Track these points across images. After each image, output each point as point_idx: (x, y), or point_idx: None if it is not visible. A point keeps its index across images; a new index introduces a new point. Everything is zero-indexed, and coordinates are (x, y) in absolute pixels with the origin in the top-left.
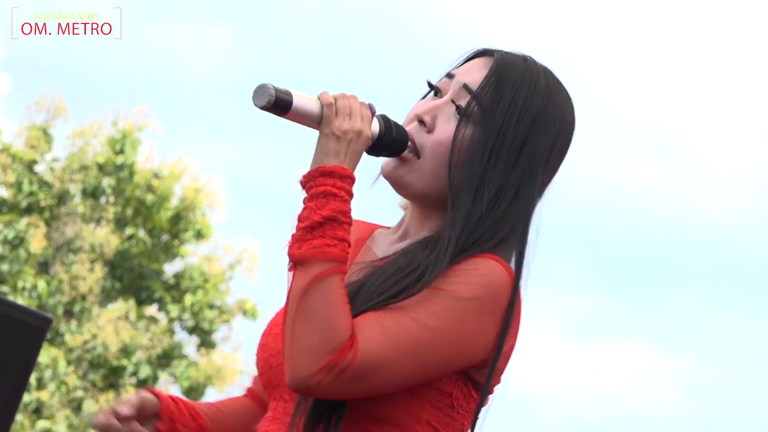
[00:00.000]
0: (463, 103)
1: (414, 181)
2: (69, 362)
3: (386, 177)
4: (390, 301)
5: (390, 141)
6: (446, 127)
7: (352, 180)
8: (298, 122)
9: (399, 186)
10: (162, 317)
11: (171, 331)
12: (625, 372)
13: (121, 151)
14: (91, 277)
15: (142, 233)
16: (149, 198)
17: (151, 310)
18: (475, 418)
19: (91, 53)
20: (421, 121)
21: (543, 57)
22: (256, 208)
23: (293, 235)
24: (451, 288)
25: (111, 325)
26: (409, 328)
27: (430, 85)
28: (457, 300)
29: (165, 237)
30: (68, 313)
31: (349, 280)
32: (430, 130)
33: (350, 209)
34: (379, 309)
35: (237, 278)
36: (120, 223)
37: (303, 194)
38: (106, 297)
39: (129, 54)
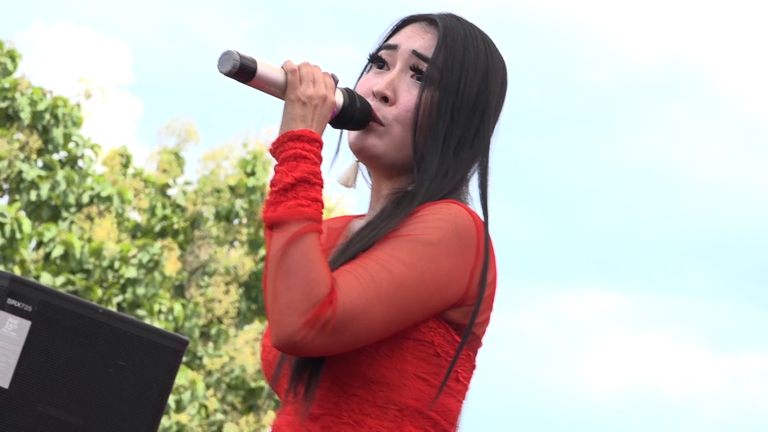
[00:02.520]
0: (419, 67)
1: (384, 149)
2: (208, 385)
3: (357, 149)
4: (359, 252)
5: (353, 111)
6: (409, 95)
7: (321, 144)
8: (262, 90)
9: (370, 156)
10: None
11: None
12: (766, 382)
13: (253, 173)
14: (227, 299)
15: None
16: None
17: None
18: (455, 358)
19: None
20: (384, 97)
21: (676, 64)
22: None
23: (267, 200)
24: (415, 233)
25: (248, 347)
26: (380, 276)
27: (373, 58)
28: (422, 243)
29: None
30: (205, 336)
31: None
32: (392, 104)
33: (320, 172)
34: (350, 261)
35: None
36: (253, 244)
37: (273, 161)
38: (242, 319)
39: None
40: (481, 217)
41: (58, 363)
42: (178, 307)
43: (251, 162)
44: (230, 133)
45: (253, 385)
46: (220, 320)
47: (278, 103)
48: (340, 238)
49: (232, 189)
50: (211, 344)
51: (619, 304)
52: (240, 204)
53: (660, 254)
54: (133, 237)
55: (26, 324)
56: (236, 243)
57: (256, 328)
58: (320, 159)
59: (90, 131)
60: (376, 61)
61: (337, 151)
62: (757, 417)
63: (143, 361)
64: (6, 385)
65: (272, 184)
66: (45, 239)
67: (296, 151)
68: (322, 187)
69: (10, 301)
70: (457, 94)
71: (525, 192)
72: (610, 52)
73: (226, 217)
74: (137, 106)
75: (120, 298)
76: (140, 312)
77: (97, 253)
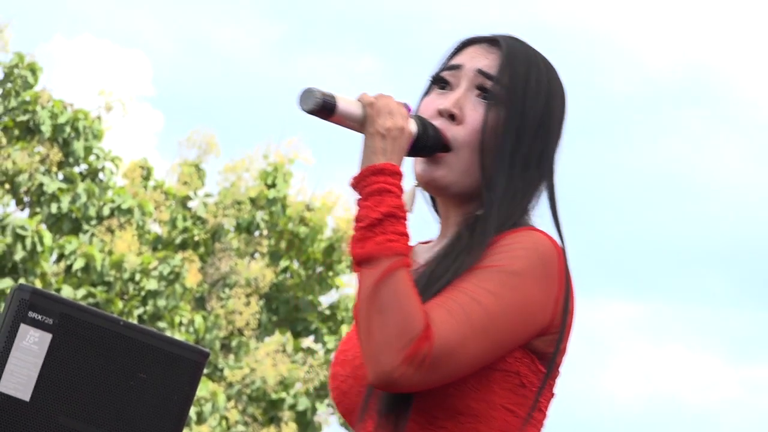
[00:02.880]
0: (485, 85)
1: (454, 178)
2: (228, 397)
3: (426, 182)
4: (446, 285)
5: (427, 139)
6: (476, 114)
7: (402, 176)
8: (342, 125)
9: (441, 187)
10: (319, 348)
11: (328, 362)
12: None
13: (273, 185)
14: (248, 311)
15: (296, 266)
16: (302, 230)
17: (308, 341)
18: (541, 388)
19: (240, 87)
20: (451, 116)
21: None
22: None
23: (354, 236)
24: (501, 263)
25: (269, 359)
26: (471, 308)
27: (437, 79)
28: (508, 273)
29: (319, 269)
30: (226, 348)
31: None
32: (460, 122)
33: (404, 204)
34: (439, 294)
35: None
36: (274, 256)
37: (356, 196)
38: (263, 330)
39: (277, 87)
40: (559, 242)
41: (78, 376)
42: (198, 319)
43: (272, 174)
44: (251, 145)
45: (273, 396)
46: (240, 332)
47: (299, 115)
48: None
49: (252, 201)
50: (232, 356)
51: (639, 313)
52: (261, 216)
53: (679, 263)
54: (154, 249)
55: (47, 337)
56: (257, 255)
57: (276, 340)
58: (402, 191)
59: (111, 144)
60: (439, 82)
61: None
62: None
63: (164, 373)
64: (27, 398)
65: (358, 220)
66: (66, 252)
67: (380, 185)
68: (407, 219)
69: (31, 314)
70: (523, 113)
71: None
72: (630, 60)
73: (246, 228)
74: (158, 119)
75: (141, 310)
76: (161, 324)
77: (117, 265)
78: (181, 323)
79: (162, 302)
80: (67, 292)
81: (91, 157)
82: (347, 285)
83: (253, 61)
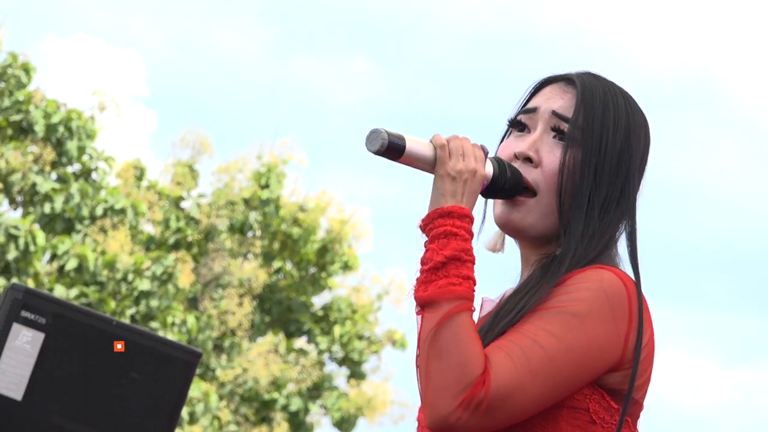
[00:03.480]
0: (560, 128)
1: (532, 220)
2: (221, 397)
3: (503, 224)
4: (509, 326)
5: (505, 181)
6: (553, 157)
7: (471, 219)
8: (411, 166)
9: (518, 230)
10: (311, 349)
11: (321, 363)
12: None
13: (267, 186)
14: (240, 311)
15: (289, 266)
16: (295, 231)
17: (301, 342)
18: (620, 425)
19: (233, 88)
20: (527, 159)
21: (691, 76)
22: (402, 237)
23: (418, 279)
24: (564, 304)
25: (261, 359)
26: (531, 350)
27: (514, 123)
28: (570, 315)
29: (312, 269)
30: (218, 348)
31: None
32: (537, 165)
33: (472, 248)
34: (502, 336)
35: (385, 309)
36: (267, 257)
37: (423, 238)
38: (256, 331)
39: (271, 88)
40: (632, 277)
41: (71, 375)
42: (191, 320)
43: (265, 174)
44: (244, 146)
45: (266, 397)
46: (233, 332)
47: (292, 115)
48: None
49: (246, 201)
50: (224, 356)
51: None
52: (254, 216)
53: (676, 267)
54: (147, 249)
55: (40, 336)
56: (250, 255)
57: (269, 341)
58: (471, 235)
59: (104, 144)
60: (517, 125)
61: (483, 219)
62: None
63: (157, 373)
64: (19, 398)
65: (423, 262)
66: (59, 252)
67: (446, 228)
68: (473, 263)
69: (24, 314)
70: (600, 153)
71: None
72: (627, 65)
73: (240, 229)
74: (152, 119)
75: (133, 310)
76: (154, 324)
77: (110, 265)
78: (173, 323)
79: (155, 302)
80: (59, 291)
81: (85, 157)
82: (340, 286)
83: (247, 62)
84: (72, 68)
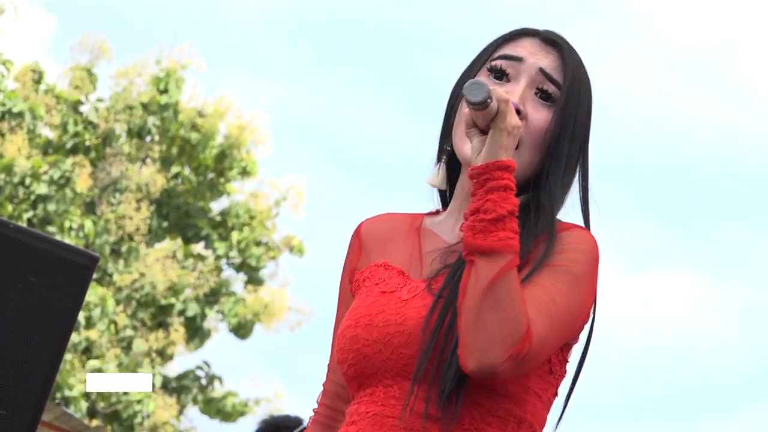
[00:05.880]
0: (544, 88)
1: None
2: (118, 302)
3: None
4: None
5: None
6: (537, 115)
7: None
8: (474, 116)
9: None
10: (209, 255)
11: (218, 269)
12: (678, 302)
13: (166, 90)
14: (138, 216)
15: (187, 172)
16: (194, 136)
17: (198, 248)
18: (576, 378)
19: None
20: (517, 111)
21: None
22: (301, 144)
23: (475, 226)
24: (569, 265)
25: (158, 264)
26: (552, 308)
27: (495, 69)
28: (574, 276)
29: (210, 175)
30: (115, 253)
31: (435, 267)
32: (523, 119)
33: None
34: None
35: (283, 215)
36: (165, 162)
37: (475, 183)
38: (153, 236)
39: None
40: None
41: None
42: (88, 224)
43: (164, 79)
44: (143, 51)
45: (163, 302)
46: (131, 237)
47: (192, 20)
48: (423, 237)
49: (144, 106)
50: (121, 261)
51: None
52: (152, 121)
53: None
54: (45, 153)
55: None
56: (148, 160)
57: (167, 246)
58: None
59: (2, 47)
60: (495, 71)
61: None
62: (668, 336)
63: (53, 277)
64: None
65: (482, 211)
66: None
67: (506, 182)
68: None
69: None
70: (576, 119)
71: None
72: None
73: (138, 134)
74: (51, 22)
75: (30, 214)
76: (51, 228)
77: (7, 169)
78: (71, 228)
79: (52, 206)
80: None
81: None
82: (238, 192)
83: None
84: None
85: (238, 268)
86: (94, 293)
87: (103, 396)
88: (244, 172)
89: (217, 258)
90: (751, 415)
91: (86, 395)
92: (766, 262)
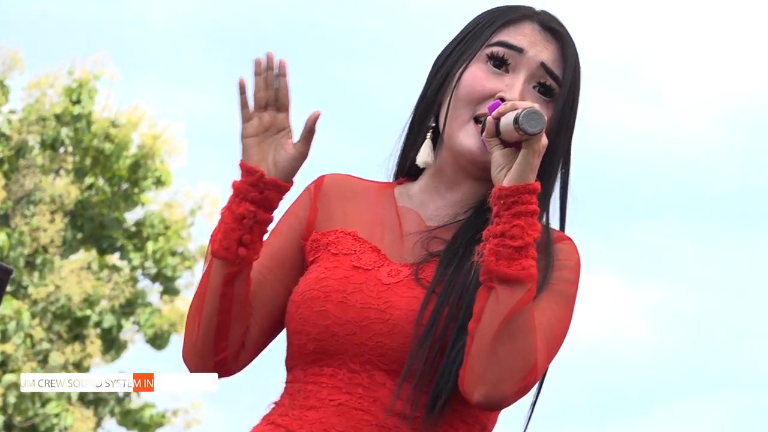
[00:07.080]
0: (545, 82)
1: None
2: (33, 314)
3: (474, 159)
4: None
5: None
6: None
7: None
8: (506, 131)
9: (487, 169)
10: (124, 266)
11: (134, 280)
12: (594, 303)
13: (78, 101)
14: (52, 228)
15: (101, 182)
16: (107, 147)
17: (113, 259)
18: (538, 393)
19: (45, 2)
20: None
21: None
22: (215, 153)
23: (500, 251)
24: (564, 286)
25: (74, 276)
26: (550, 335)
27: (495, 57)
28: (568, 298)
29: (125, 185)
30: (30, 265)
31: (418, 253)
32: None
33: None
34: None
35: (198, 224)
36: (79, 173)
37: (501, 204)
38: (68, 248)
39: (84, 2)
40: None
41: None
42: (2, 237)
43: (77, 90)
44: (56, 61)
45: (79, 314)
46: (45, 249)
47: (105, 30)
48: (401, 214)
49: (57, 117)
50: (36, 274)
51: None
52: (66, 132)
53: None
54: None
55: None
56: (62, 171)
57: (82, 258)
58: None
59: None
60: (494, 58)
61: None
62: (586, 339)
63: None
64: None
65: (509, 237)
66: None
67: (534, 207)
68: None
69: None
70: (572, 115)
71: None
72: None
73: (51, 145)
74: None
75: None
76: None
77: None
78: None
79: None
80: None
81: None
82: (152, 201)
83: None
84: None
85: (154, 278)
86: (9, 306)
87: (19, 410)
88: (159, 182)
89: (133, 269)
90: (666, 415)
91: (2, 409)
92: (681, 263)
